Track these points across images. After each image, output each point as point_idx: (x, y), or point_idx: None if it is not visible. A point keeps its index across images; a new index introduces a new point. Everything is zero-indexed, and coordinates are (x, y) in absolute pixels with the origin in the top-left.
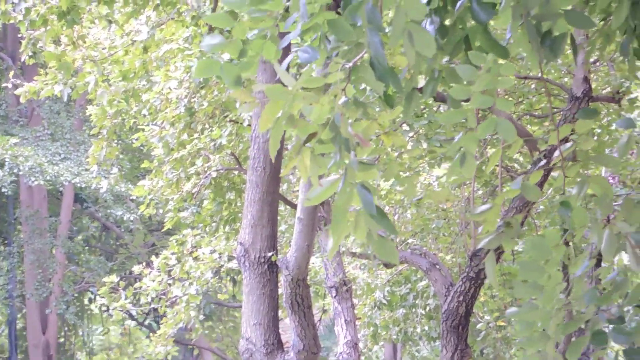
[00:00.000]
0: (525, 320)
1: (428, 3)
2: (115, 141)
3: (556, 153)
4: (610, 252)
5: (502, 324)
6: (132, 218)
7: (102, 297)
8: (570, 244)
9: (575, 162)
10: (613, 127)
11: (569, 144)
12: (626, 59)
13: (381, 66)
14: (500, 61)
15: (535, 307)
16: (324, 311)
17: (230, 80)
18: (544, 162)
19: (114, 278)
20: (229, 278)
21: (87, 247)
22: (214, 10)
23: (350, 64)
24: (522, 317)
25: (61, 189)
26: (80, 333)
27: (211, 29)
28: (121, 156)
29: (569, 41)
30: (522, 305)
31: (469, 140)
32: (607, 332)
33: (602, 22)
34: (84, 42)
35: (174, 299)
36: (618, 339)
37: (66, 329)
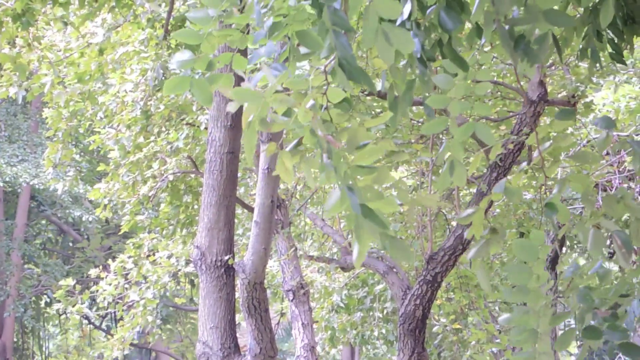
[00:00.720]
0: (519, 324)
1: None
2: (73, 143)
3: (535, 154)
4: (598, 251)
5: (458, 326)
6: (90, 219)
7: (59, 301)
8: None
9: (555, 162)
10: (569, 130)
11: (547, 144)
12: (583, 62)
13: (350, 66)
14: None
15: (526, 311)
16: (282, 314)
17: (202, 96)
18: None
19: (70, 281)
20: (187, 280)
21: (44, 250)
22: (169, 13)
23: (324, 68)
24: (516, 322)
25: (19, 190)
26: (41, 335)
27: (167, 32)
28: (79, 158)
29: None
30: (514, 310)
31: (455, 147)
32: (599, 327)
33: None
34: (40, 43)
35: (131, 303)
36: (613, 336)
37: (23, 332)
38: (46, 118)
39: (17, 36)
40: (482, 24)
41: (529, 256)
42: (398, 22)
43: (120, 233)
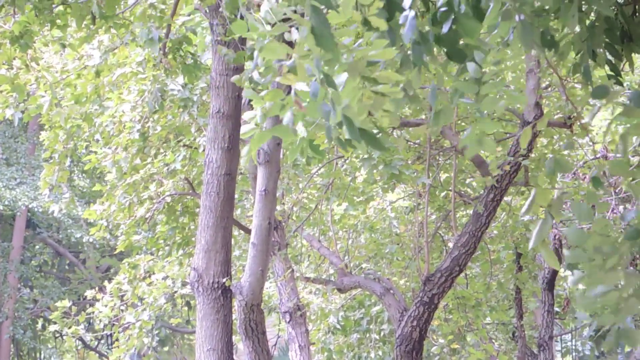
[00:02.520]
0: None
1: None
2: (70, 164)
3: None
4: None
5: (456, 346)
6: (91, 240)
7: (55, 323)
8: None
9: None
10: (565, 152)
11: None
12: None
13: (322, 31)
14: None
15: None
16: (279, 336)
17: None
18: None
19: (66, 303)
20: (183, 302)
21: (41, 273)
22: (167, 35)
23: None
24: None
25: (19, 213)
26: (40, 358)
27: (165, 54)
28: (77, 179)
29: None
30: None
31: (484, 123)
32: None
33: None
34: (38, 64)
35: (126, 325)
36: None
37: (18, 354)
38: (43, 140)
39: (15, 58)
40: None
41: (586, 216)
42: (406, 36)
43: (116, 252)
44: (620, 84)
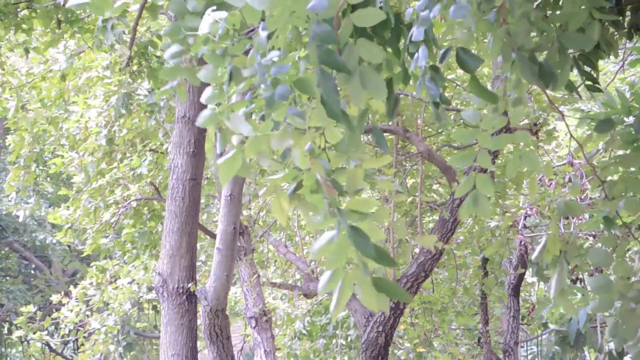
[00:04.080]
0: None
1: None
2: (37, 167)
3: None
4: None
5: (422, 350)
6: (54, 241)
7: (20, 327)
8: (490, 272)
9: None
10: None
11: None
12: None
13: (331, 105)
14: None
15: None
16: (244, 341)
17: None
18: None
19: (31, 308)
20: (150, 306)
21: (6, 277)
22: (132, 40)
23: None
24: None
25: None
26: None
27: (130, 58)
28: (44, 182)
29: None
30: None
31: (481, 181)
32: None
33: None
34: (3, 69)
35: (92, 330)
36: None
37: None
38: (8, 144)
39: None
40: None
41: (605, 262)
42: (412, 66)
43: (83, 255)
44: (600, 90)
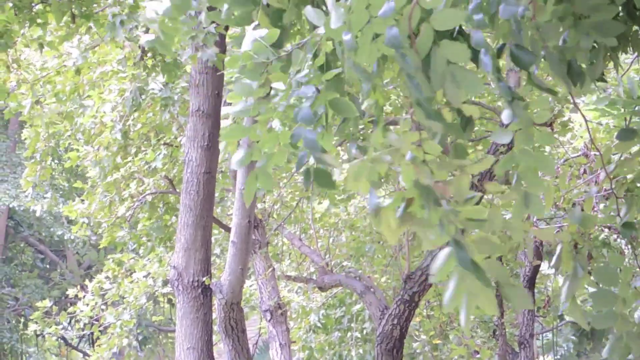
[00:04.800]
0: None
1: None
2: (51, 161)
3: None
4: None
5: (438, 342)
6: (72, 237)
7: (36, 322)
8: (504, 264)
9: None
10: (546, 150)
11: None
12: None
13: (427, 107)
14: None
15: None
16: (259, 335)
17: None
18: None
19: (46, 303)
20: (165, 300)
21: (22, 272)
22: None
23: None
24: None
25: (0, 214)
26: (23, 358)
27: (144, 52)
28: (58, 177)
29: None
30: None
31: (530, 176)
32: None
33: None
34: (19, 65)
35: (107, 324)
36: None
37: (1, 354)
38: (24, 138)
39: None
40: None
41: (610, 281)
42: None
43: (100, 248)
44: (604, 80)
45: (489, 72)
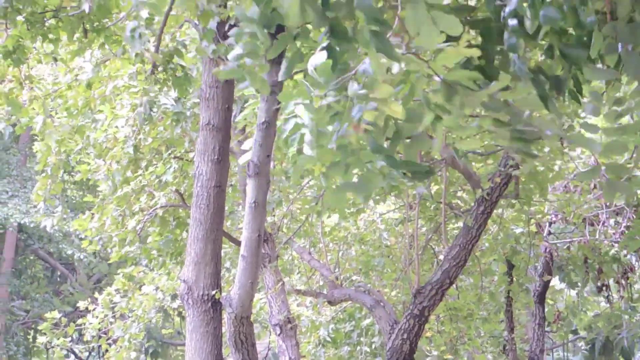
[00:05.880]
0: None
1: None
2: (62, 175)
3: None
4: None
5: (449, 357)
6: (81, 256)
7: (44, 334)
8: (515, 279)
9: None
10: (556, 165)
11: None
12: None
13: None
14: None
15: None
16: (269, 349)
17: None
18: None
19: (55, 314)
20: (175, 313)
21: (32, 285)
22: (157, 48)
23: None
24: None
25: (11, 229)
26: None
27: (155, 66)
28: (69, 188)
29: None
30: None
31: None
32: None
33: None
34: (31, 82)
35: (116, 338)
36: None
37: None
38: (36, 152)
39: (8, 74)
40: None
41: None
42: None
43: (110, 262)
44: (578, 101)
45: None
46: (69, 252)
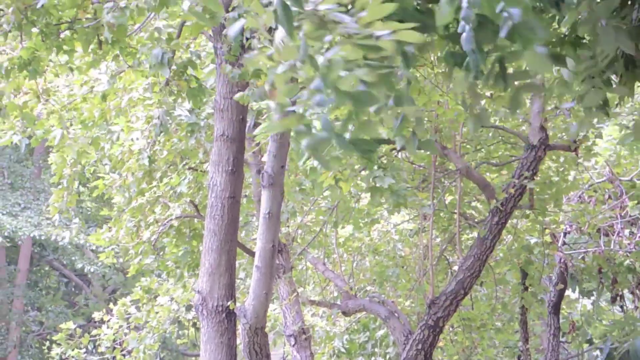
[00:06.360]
0: None
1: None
2: (77, 187)
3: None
4: None
5: None
6: (92, 270)
7: (59, 345)
8: (530, 288)
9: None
10: (570, 175)
11: None
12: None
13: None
14: None
15: None
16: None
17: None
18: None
19: (70, 325)
20: (190, 324)
21: (47, 297)
22: (171, 59)
23: None
24: None
25: (20, 242)
26: None
27: (169, 78)
28: (84, 200)
29: None
30: None
31: None
32: None
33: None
34: (49, 95)
35: (131, 349)
36: None
37: None
38: (51, 163)
39: (24, 86)
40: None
41: None
42: None
43: (128, 276)
44: (607, 114)
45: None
46: (80, 265)
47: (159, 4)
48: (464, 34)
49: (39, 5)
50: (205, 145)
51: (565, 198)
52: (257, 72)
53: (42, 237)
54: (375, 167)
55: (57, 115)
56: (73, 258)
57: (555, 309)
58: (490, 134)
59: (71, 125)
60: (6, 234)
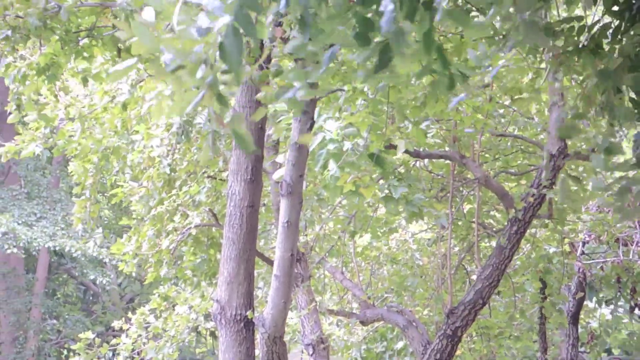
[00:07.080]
0: None
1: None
2: (101, 195)
3: None
4: None
5: None
6: (104, 281)
7: (78, 354)
8: (549, 297)
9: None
10: (589, 185)
11: None
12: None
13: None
14: None
15: None
16: None
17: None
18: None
19: (89, 334)
20: (208, 332)
21: (65, 305)
22: None
23: None
24: None
25: (34, 253)
26: None
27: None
28: (102, 212)
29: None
30: None
31: None
32: None
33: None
34: (66, 94)
35: (149, 358)
36: None
37: None
38: (71, 172)
39: (42, 89)
40: None
41: None
42: None
43: (145, 283)
44: (635, 119)
45: None
46: (92, 277)
47: None
48: None
49: (62, 16)
50: (224, 154)
51: (584, 207)
52: (278, 72)
53: (57, 248)
54: (392, 177)
55: (73, 119)
56: (85, 271)
57: (574, 319)
58: (509, 143)
59: (90, 134)
60: (21, 244)
